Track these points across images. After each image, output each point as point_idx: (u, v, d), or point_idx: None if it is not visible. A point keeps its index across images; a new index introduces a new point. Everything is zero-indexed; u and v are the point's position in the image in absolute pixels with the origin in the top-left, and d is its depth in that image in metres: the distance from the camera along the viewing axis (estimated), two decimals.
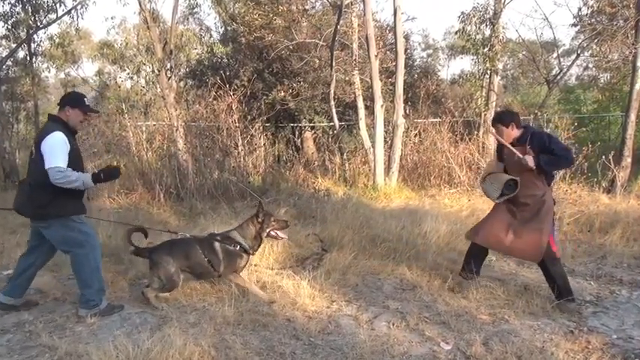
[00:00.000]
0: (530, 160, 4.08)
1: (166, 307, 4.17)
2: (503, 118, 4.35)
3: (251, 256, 4.60)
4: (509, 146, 4.22)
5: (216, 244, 4.40)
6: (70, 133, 3.93)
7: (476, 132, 11.21)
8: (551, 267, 4.28)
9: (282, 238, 4.68)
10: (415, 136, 11.24)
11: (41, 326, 3.84)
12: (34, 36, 15.08)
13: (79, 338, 3.66)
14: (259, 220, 4.48)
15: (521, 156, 4.11)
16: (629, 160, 9.22)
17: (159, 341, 3.33)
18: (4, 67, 14.79)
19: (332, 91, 12.05)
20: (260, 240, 4.53)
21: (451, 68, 39.81)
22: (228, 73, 13.30)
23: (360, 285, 4.82)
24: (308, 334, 3.73)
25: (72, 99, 4.06)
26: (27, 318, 4.01)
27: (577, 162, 8.44)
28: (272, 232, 4.53)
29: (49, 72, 20.53)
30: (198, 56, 17.28)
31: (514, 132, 4.27)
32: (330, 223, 6.43)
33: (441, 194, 9.09)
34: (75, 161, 3.91)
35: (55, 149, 3.75)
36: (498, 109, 12.84)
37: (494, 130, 4.40)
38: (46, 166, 3.72)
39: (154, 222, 7.03)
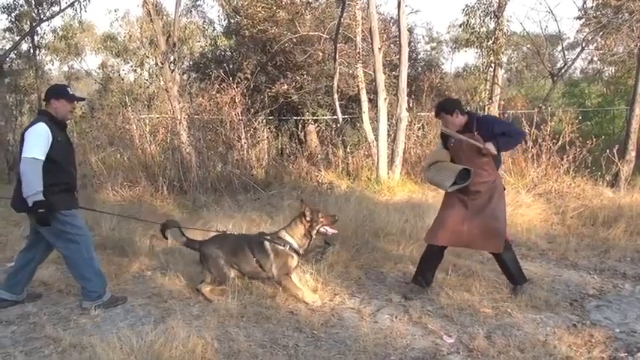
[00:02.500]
0: (491, 147, 4.01)
1: (170, 299, 4.19)
2: (446, 106, 4.25)
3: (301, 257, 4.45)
4: (470, 140, 4.09)
5: (267, 244, 4.32)
6: (58, 126, 3.91)
7: None
8: (504, 253, 4.24)
9: (333, 233, 4.56)
10: (418, 130, 11.22)
11: (45, 318, 3.87)
12: (38, 28, 15.10)
13: (83, 330, 3.68)
14: (307, 218, 4.35)
15: (481, 146, 4.02)
16: (634, 153, 9.16)
17: (162, 333, 3.35)
18: (7, 59, 14.80)
19: (335, 84, 12.01)
20: (310, 238, 4.40)
21: (455, 61, 39.83)
22: (231, 66, 13.27)
23: (363, 278, 4.83)
24: (311, 326, 3.74)
25: (55, 91, 4.04)
26: (31, 310, 4.03)
27: (582, 155, 8.43)
28: (321, 229, 4.42)
29: (53, 65, 20.56)
30: (201, 49, 17.29)
31: (459, 119, 4.19)
32: None
33: None
34: (65, 155, 3.90)
35: (35, 139, 3.72)
36: (502, 102, 12.82)
37: (444, 127, 4.27)
38: (23, 155, 3.70)
39: (157, 215, 7.04)
